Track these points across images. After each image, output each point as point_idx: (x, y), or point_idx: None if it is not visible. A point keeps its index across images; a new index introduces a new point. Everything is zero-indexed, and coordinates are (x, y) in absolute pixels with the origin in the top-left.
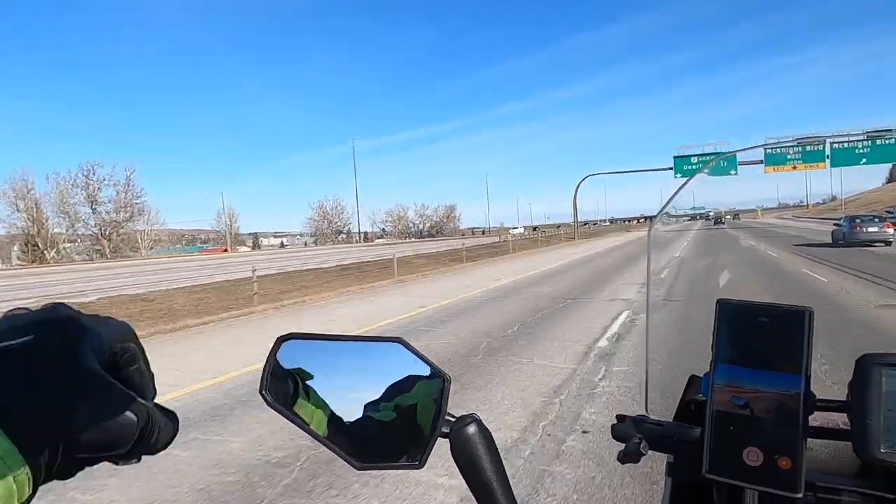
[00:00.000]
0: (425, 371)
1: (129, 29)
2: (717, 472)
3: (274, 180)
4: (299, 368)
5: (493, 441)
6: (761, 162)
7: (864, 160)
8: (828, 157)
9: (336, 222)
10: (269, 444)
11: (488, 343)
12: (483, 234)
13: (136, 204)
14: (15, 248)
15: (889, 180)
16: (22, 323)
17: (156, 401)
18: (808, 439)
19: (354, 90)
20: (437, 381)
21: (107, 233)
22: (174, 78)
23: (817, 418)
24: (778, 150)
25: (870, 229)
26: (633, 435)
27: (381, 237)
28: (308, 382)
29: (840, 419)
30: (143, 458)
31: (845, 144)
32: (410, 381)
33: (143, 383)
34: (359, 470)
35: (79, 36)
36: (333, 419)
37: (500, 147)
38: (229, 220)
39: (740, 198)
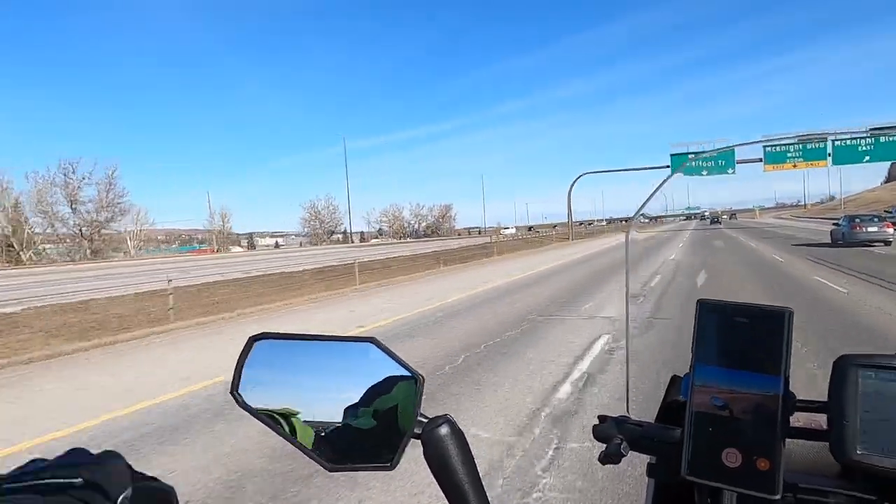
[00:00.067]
0: (399, 371)
1: (128, 29)
2: (696, 474)
3: (273, 180)
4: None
5: (467, 442)
6: (760, 160)
7: (868, 157)
8: (829, 154)
9: (328, 222)
10: None
11: None
12: (479, 234)
13: (120, 204)
14: None
15: (888, 179)
16: (77, 462)
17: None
18: (791, 440)
19: (354, 90)
20: (412, 382)
21: (88, 233)
22: (173, 78)
23: (799, 419)
24: (777, 147)
25: (869, 229)
26: (614, 435)
27: (378, 237)
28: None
29: (822, 420)
30: None
31: (848, 141)
32: (389, 382)
33: None
34: (330, 471)
35: (79, 36)
36: None
37: (498, 146)
38: (222, 220)
39: (738, 197)
